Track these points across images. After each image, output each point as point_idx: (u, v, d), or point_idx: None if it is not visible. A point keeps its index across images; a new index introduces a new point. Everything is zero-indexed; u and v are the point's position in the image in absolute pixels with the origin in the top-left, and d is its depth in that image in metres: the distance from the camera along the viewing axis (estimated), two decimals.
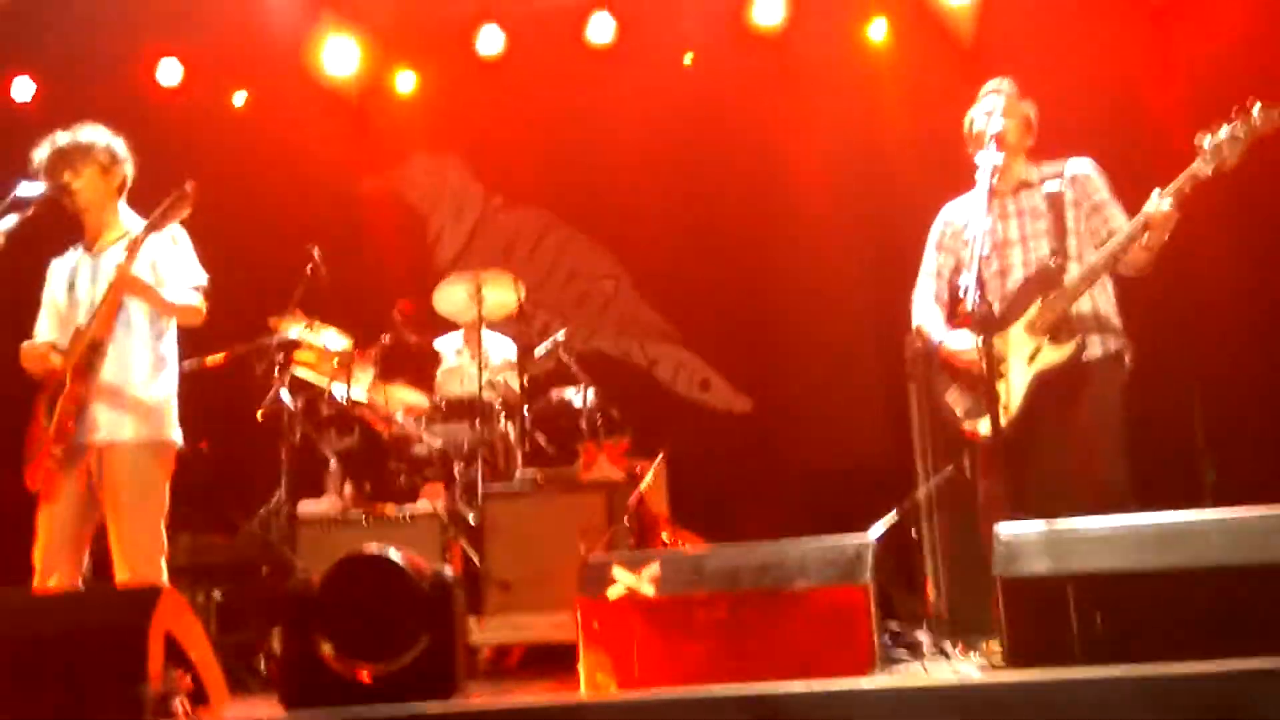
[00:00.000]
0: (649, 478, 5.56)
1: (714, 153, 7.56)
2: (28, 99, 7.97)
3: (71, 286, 4.37)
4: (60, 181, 4.32)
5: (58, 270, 4.45)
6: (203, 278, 4.37)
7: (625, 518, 5.29)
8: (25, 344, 4.33)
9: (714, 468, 6.97)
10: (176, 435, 4.33)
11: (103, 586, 4.09)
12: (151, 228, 4.19)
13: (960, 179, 4.54)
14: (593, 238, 8.07)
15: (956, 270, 4.47)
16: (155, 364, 4.31)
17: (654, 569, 3.64)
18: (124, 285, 4.16)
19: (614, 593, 3.66)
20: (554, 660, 5.01)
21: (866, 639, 3.38)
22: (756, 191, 7.47)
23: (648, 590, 3.62)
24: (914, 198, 5.07)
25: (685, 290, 7.69)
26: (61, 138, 4.39)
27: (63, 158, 4.35)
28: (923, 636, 4.03)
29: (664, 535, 5.53)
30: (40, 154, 4.37)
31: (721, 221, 7.52)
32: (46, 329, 4.40)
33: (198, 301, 4.34)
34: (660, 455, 5.85)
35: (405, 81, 8.08)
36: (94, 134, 4.42)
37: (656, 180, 7.56)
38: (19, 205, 4.20)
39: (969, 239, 4.14)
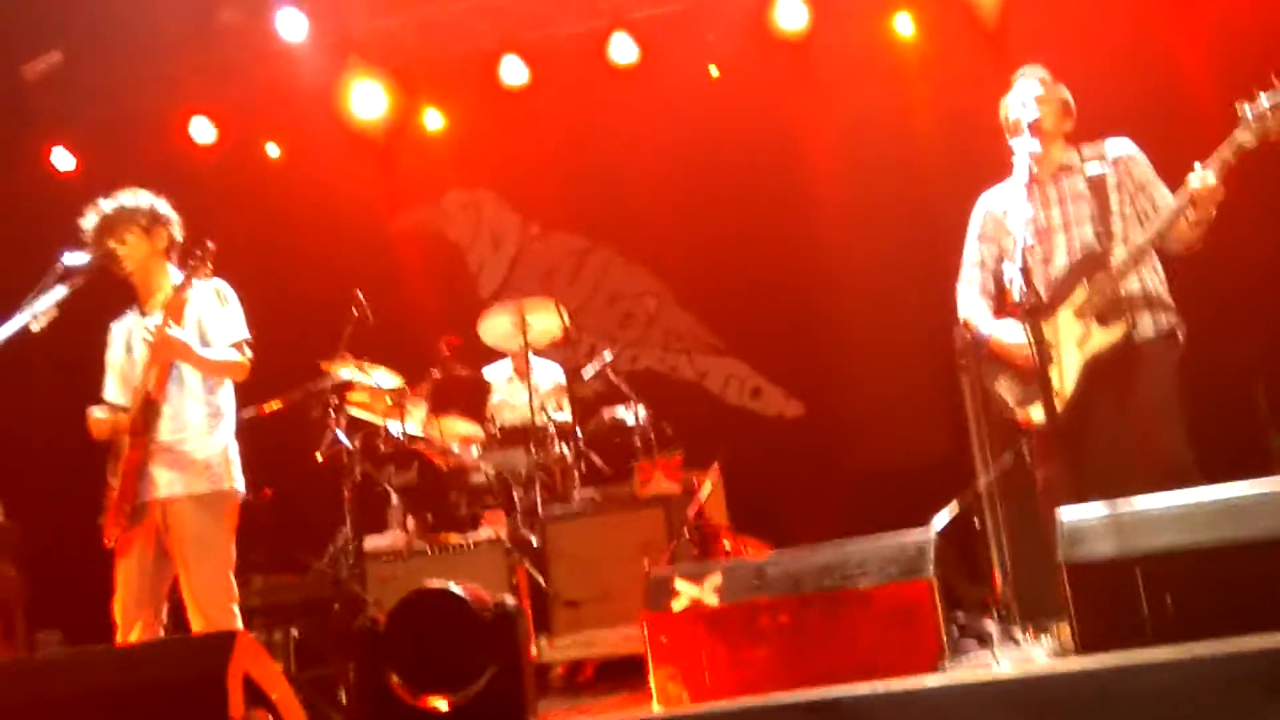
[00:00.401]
0: (706, 489, 5.58)
1: (745, 161, 7.56)
2: (69, 169, 8.14)
3: (129, 349, 4.47)
4: (105, 249, 4.39)
5: (117, 333, 4.54)
6: (244, 333, 4.45)
7: (685, 530, 5.31)
8: (89, 411, 4.42)
9: (770, 474, 6.97)
10: (237, 485, 4.40)
11: (180, 637, 4.16)
12: (180, 290, 4.28)
13: (997, 168, 4.52)
14: (631, 257, 8.12)
15: (1000, 260, 4.44)
16: (210, 417, 4.40)
17: (717, 579, 3.66)
18: (163, 348, 4.25)
19: (679, 605, 3.67)
20: (627, 672, 5.05)
21: (933, 633, 3.36)
22: (791, 196, 7.47)
23: (711, 600, 3.63)
24: (951, 190, 5.04)
25: (728, 301, 7.71)
26: (104, 205, 4.46)
27: (105, 224, 4.42)
28: (991, 626, 4.00)
29: (725, 544, 5.54)
30: (87, 223, 4.45)
31: (758, 229, 7.52)
32: (114, 391, 4.49)
33: (238, 357, 4.42)
34: (716, 466, 5.87)
35: (433, 119, 8.18)
36: (134, 198, 4.49)
37: (690, 194, 7.59)
38: (67, 276, 4.28)
39: (1011, 227, 4.12)
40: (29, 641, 6.39)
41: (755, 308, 7.57)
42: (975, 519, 4.63)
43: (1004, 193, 4.50)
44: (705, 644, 3.60)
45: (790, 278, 7.47)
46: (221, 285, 4.49)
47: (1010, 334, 4.30)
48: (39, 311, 4.19)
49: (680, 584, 3.70)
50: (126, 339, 4.50)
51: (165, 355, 4.28)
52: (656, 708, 3.59)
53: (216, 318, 4.43)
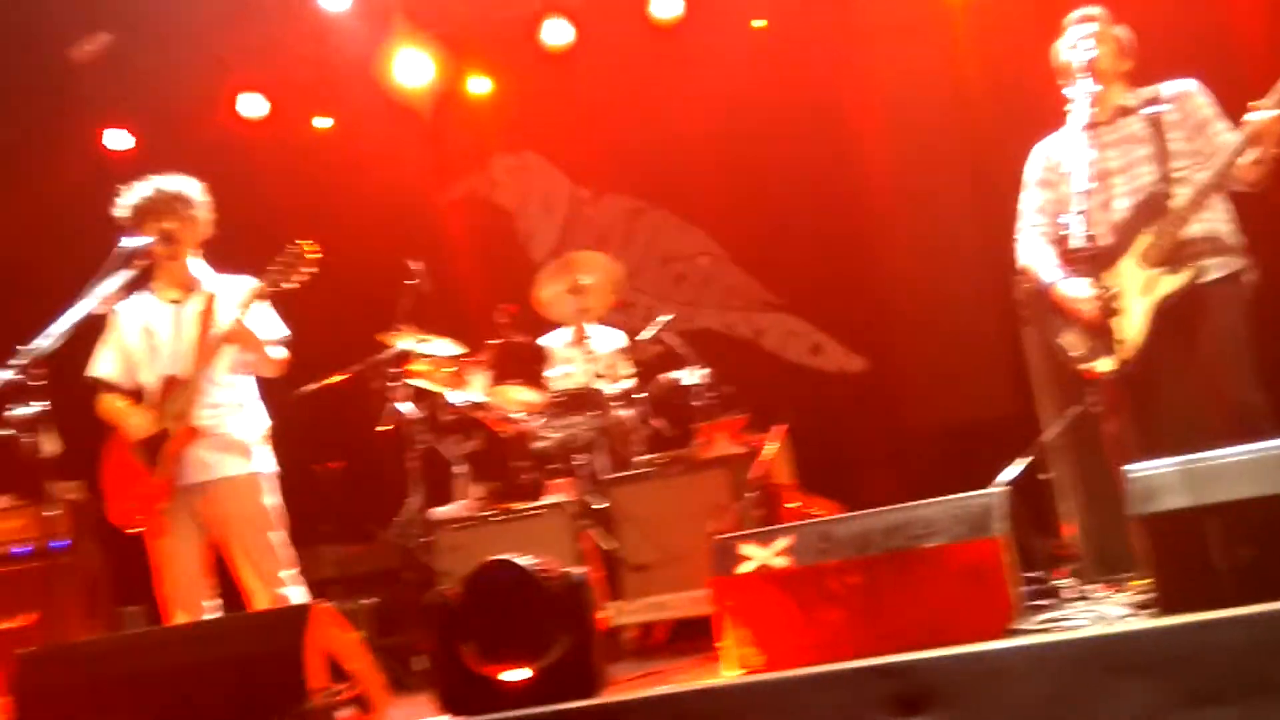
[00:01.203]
0: (770, 449, 5.56)
1: (795, 114, 7.45)
2: (123, 149, 8.21)
3: (148, 333, 4.49)
4: (161, 230, 4.41)
5: (128, 314, 4.54)
6: (284, 331, 4.50)
7: (750, 491, 5.31)
8: (120, 406, 4.44)
9: (834, 432, 6.94)
10: (273, 464, 4.49)
11: (258, 612, 4.23)
12: (273, 285, 4.31)
13: (1052, 115, 4.43)
14: (684, 216, 8.05)
15: (1059, 207, 4.37)
16: (243, 405, 4.50)
17: (783, 541, 3.64)
18: (235, 337, 4.30)
19: (745, 568, 3.66)
20: (700, 634, 5.06)
21: (1005, 592, 3.33)
22: (844, 148, 7.37)
23: (779, 563, 3.62)
24: (1006, 138, 4.97)
25: (783, 256, 7.63)
26: (161, 184, 4.49)
27: (157, 206, 4.44)
28: (1064, 582, 3.96)
29: (791, 505, 5.53)
30: (135, 202, 4.46)
31: (811, 182, 7.43)
32: (111, 369, 4.52)
33: (284, 354, 4.53)
34: (779, 426, 5.84)
35: (479, 85, 8.15)
36: (191, 184, 4.53)
37: (740, 149, 7.51)
38: (130, 258, 4.32)
39: (1068, 174, 4.04)
40: (114, 617, 6.51)
41: (811, 262, 7.49)
42: (1043, 474, 4.58)
43: (1061, 139, 4.42)
44: (773, 607, 3.59)
45: (845, 230, 7.38)
46: (255, 284, 4.45)
47: (1072, 284, 4.23)
48: (103, 295, 4.24)
49: (746, 547, 3.69)
50: (144, 323, 4.51)
51: (236, 343, 4.32)
52: (726, 671, 3.60)
53: (258, 313, 4.47)
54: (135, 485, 4.32)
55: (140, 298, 4.54)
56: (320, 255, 4.39)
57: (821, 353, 7.70)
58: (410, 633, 5.91)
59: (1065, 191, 4.21)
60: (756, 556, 3.66)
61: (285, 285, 4.35)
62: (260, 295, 4.35)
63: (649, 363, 6.43)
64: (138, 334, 4.50)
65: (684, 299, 7.83)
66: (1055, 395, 4.58)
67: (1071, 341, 4.28)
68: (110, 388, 4.49)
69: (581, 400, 6.05)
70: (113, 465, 4.41)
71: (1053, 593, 3.81)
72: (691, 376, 6.11)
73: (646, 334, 6.42)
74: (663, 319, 6.47)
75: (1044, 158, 4.54)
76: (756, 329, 7.89)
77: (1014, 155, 4.66)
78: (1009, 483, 4.18)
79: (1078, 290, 4.20)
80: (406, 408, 6.23)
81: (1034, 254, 4.49)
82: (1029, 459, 4.52)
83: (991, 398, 6.40)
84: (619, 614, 5.36)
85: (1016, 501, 3.50)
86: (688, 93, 7.60)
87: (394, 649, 5.66)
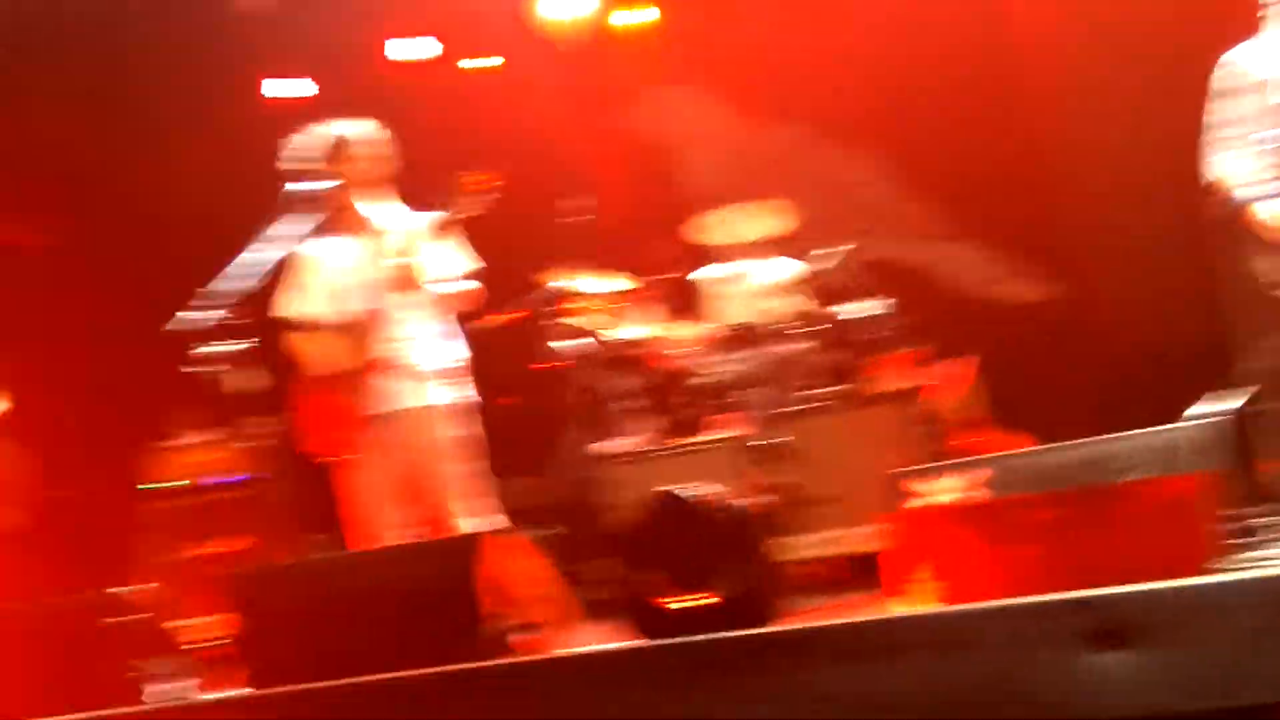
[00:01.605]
0: (951, 382, 5.40)
1: (970, 32, 7.16)
2: (291, 96, 8.41)
3: (339, 271, 4.60)
4: (336, 173, 4.51)
5: (320, 253, 4.66)
6: (473, 263, 4.52)
7: (930, 424, 5.17)
8: (309, 342, 4.58)
9: (1018, 364, 6.68)
10: (468, 392, 4.57)
11: (430, 540, 4.34)
12: (450, 218, 4.35)
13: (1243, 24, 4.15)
14: (857, 145, 7.86)
15: (1254, 121, 4.08)
16: (437, 334, 4.57)
17: (965, 476, 3.52)
18: (410, 276, 4.35)
19: (923, 503, 3.56)
20: (874, 569, 4.99)
21: (1204, 530, 3.15)
22: (1022, 67, 7.10)
23: (959, 498, 3.50)
24: (1194, 46, 4.66)
25: (963, 183, 7.34)
26: (335, 128, 4.58)
27: (337, 148, 4.54)
28: (1267, 520, 3.74)
29: (974, 439, 5.37)
30: (312, 146, 4.57)
31: (990, 104, 7.16)
32: (301, 307, 4.65)
33: (471, 286, 4.55)
34: (967, 358, 5.66)
35: (642, 15, 8.06)
36: (362, 127, 4.60)
37: (913, 73, 7.26)
38: (312, 202, 4.42)
39: (1262, 85, 3.77)
40: (304, 545, 6.80)
41: (992, 189, 7.19)
42: (1243, 405, 4.32)
43: (1253, 48, 4.13)
44: (957, 542, 3.47)
45: (1027, 154, 7.09)
46: (437, 219, 4.54)
47: (1269, 203, 3.96)
48: (279, 236, 4.36)
49: (928, 481, 3.58)
50: (335, 260, 4.62)
51: (409, 281, 4.38)
52: (898, 608, 3.52)
53: (445, 248, 4.50)
54: (327, 417, 4.45)
55: (332, 235, 4.65)
56: (487, 186, 4.39)
57: (1003, 282, 7.43)
58: (579, 565, 5.96)
59: (1258, 103, 3.93)
60: (939, 490, 3.56)
61: (457, 217, 4.39)
62: (432, 231, 4.40)
63: (822, 294, 6.29)
64: (323, 272, 4.63)
65: (858, 229, 7.64)
66: (1252, 324, 4.31)
67: (1269, 267, 4.01)
68: (299, 325, 4.61)
69: (750, 334, 5.98)
70: (306, 398, 4.56)
71: (1254, 530, 3.60)
72: (868, 308, 5.96)
73: (820, 265, 6.28)
74: (838, 249, 6.31)
75: (1231, 70, 4.24)
76: (936, 259, 7.66)
77: (1201, 67, 4.37)
78: (1208, 416, 3.96)
79: (1275, 211, 3.92)
80: (571, 344, 6.26)
81: (1225, 169, 4.20)
82: (1227, 392, 4.26)
83: (1186, 327, 6.08)
84: (790, 549, 5.29)
85: (1215, 437, 3.31)
86: (857, 17, 7.38)
87: (565, 578, 5.72)
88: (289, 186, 4.44)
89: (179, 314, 4.05)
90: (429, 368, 4.51)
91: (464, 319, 4.77)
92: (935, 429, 5.24)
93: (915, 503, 3.56)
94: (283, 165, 4.57)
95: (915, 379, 5.58)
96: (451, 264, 4.54)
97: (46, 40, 7.56)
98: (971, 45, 7.17)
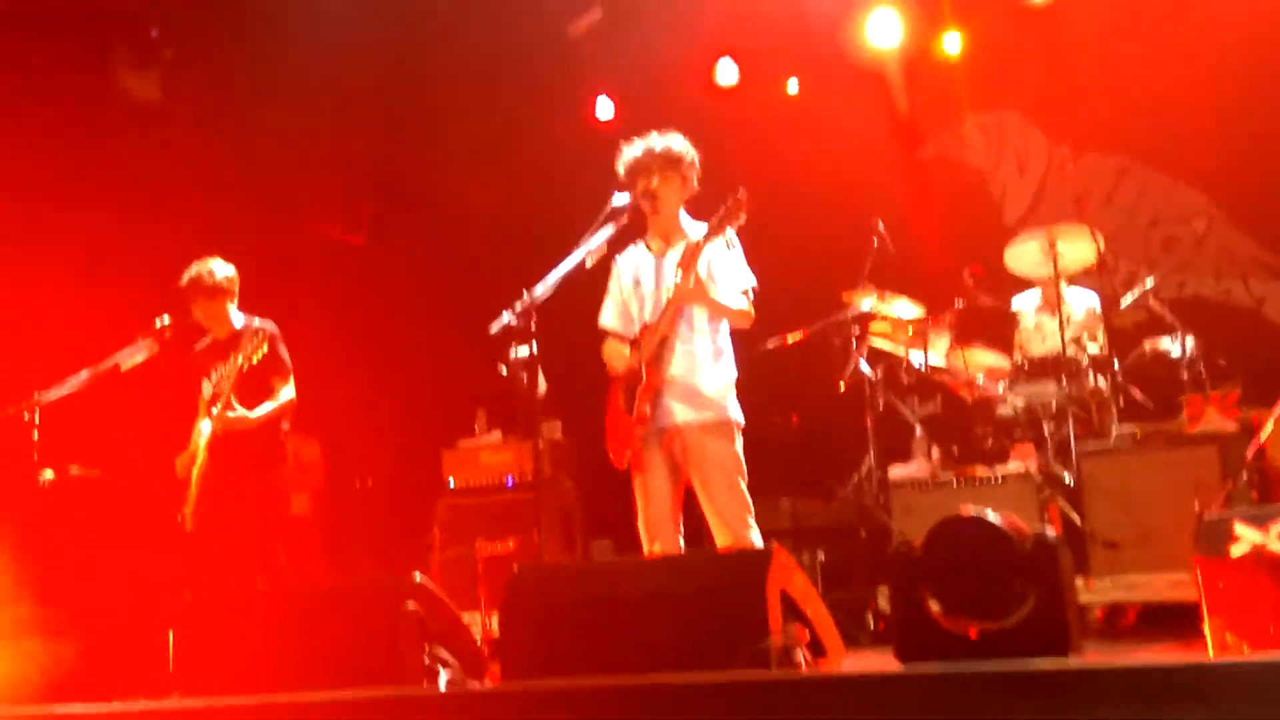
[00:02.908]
0: (1269, 427, 5.03)
1: None
2: (609, 117, 8.75)
3: (637, 284, 4.70)
4: (647, 188, 4.59)
5: (625, 266, 4.77)
6: (751, 281, 4.57)
7: (1244, 471, 4.84)
8: (609, 343, 4.70)
9: None
10: (738, 415, 4.57)
11: (722, 550, 4.38)
12: (710, 235, 4.43)
13: None
14: (1175, 176, 7.48)
15: None
16: (715, 355, 4.59)
17: None
18: (685, 293, 4.44)
19: (1239, 550, 3.35)
20: (1172, 620, 4.74)
21: None
22: None
23: (1278, 548, 3.27)
24: None
25: None
26: (649, 144, 4.67)
27: (647, 164, 4.62)
28: None
29: None
30: (628, 159, 4.67)
31: None
32: (611, 319, 4.76)
33: (746, 305, 4.57)
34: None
35: (952, 42, 7.94)
36: (676, 142, 4.68)
37: (1241, 102, 6.88)
38: (614, 215, 4.56)
39: None
40: (585, 548, 7.01)
41: None
42: None
43: None
44: (1269, 594, 3.26)
45: None
46: (730, 234, 4.57)
47: None
48: (591, 248, 4.48)
49: (1242, 528, 3.36)
50: (635, 274, 4.71)
51: (689, 300, 4.47)
52: (1211, 654, 3.31)
53: (726, 265, 4.57)
54: (622, 425, 4.58)
55: (635, 249, 4.77)
56: (749, 203, 4.40)
57: None
58: (861, 588, 5.91)
59: None
60: (1252, 539, 3.34)
61: (723, 232, 4.43)
62: (698, 249, 4.44)
63: (1129, 330, 6.02)
64: (630, 284, 4.75)
65: (1173, 264, 7.26)
66: None
67: None
68: (612, 334, 4.76)
69: (1052, 366, 5.79)
70: (611, 407, 4.67)
71: None
72: (1177, 345, 5.66)
73: (1128, 299, 6.01)
74: (1147, 283, 6.04)
75: None
76: (1257, 296, 7.20)
77: None
78: None
79: None
80: (866, 367, 6.24)
81: None
82: None
83: None
84: (1084, 592, 5.08)
85: None
86: (1177, 45, 7.06)
87: (843, 604, 5.68)
88: (615, 199, 4.58)
89: (503, 314, 4.15)
90: (712, 385, 4.56)
91: (745, 339, 4.79)
92: (1252, 475, 4.88)
93: (1232, 549, 3.35)
94: (609, 178, 4.70)
95: (1231, 421, 5.24)
96: (733, 280, 4.59)
97: (398, 60, 8.14)
98: None
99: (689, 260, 4.45)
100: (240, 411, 5.27)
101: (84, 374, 5.44)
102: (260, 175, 8.02)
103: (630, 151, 4.68)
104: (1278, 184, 6.84)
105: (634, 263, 4.75)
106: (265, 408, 5.35)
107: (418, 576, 3.84)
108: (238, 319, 5.56)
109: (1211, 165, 7.18)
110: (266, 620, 4.05)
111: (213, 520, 5.27)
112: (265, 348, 5.26)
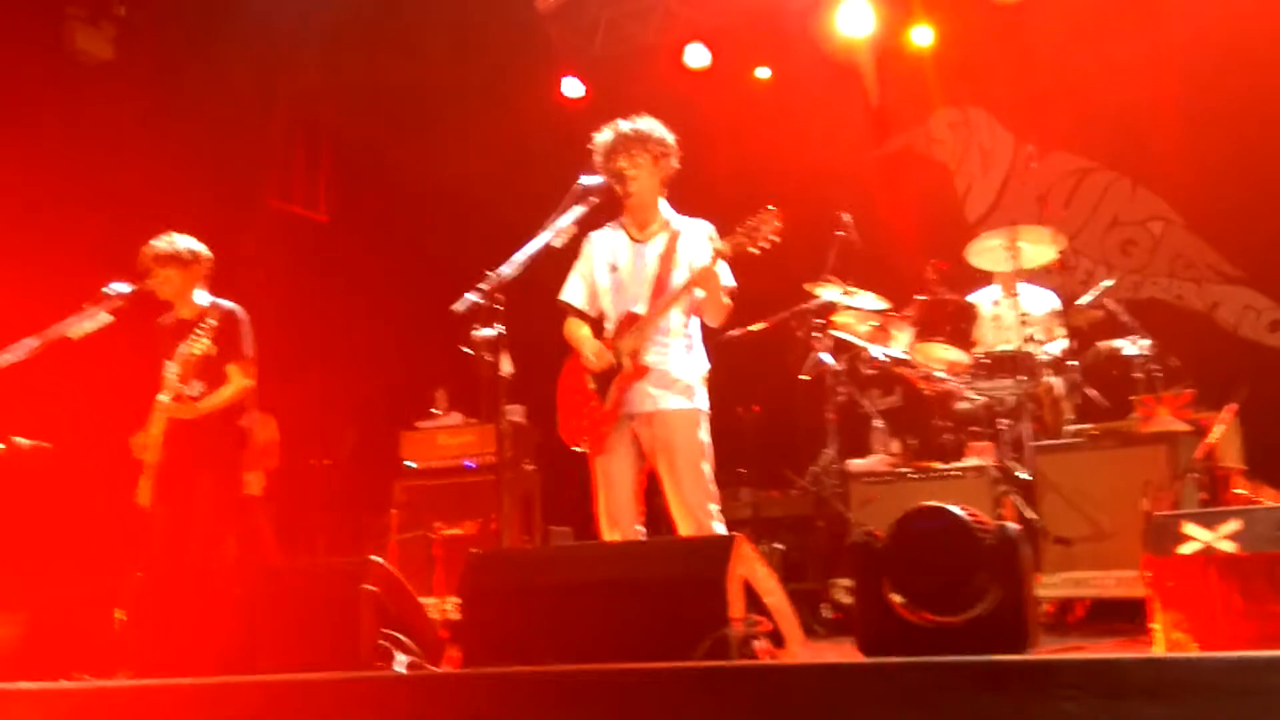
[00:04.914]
0: (1218, 429, 5.13)
1: (1264, 76, 6.81)
2: (577, 96, 8.71)
3: (613, 267, 4.66)
4: (616, 169, 4.56)
5: (599, 245, 4.72)
6: (732, 282, 4.57)
7: (1193, 472, 4.93)
8: (582, 334, 4.64)
9: None
10: (706, 405, 4.57)
11: (683, 537, 4.39)
12: (738, 245, 4.40)
13: None
14: (1136, 178, 7.60)
15: None
16: (688, 346, 4.61)
17: (1233, 525, 3.36)
18: (700, 280, 4.43)
19: (1187, 549, 3.42)
20: (1119, 616, 4.83)
21: None
22: None
23: (1227, 547, 3.34)
24: None
25: (1245, 224, 7.02)
26: (620, 127, 4.63)
27: (620, 145, 4.58)
28: None
29: (1238, 490, 5.09)
30: (601, 141, 4.63)
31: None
32: (576, 295, 4.71)
33: (729, 304, 4.59)
34: (1230, 405, 5.38)
35: (922, 36, 7.98)
36: (651, 125, 4.64)
37: (1204, 111, 6.99)
38: (584, 196, 4.52)
39: None
40: (544, 534, 6.99)
41: (1276, 231, 6.82)
42: None
43: None
44: (1217, 593, 3.32)
45: None
46: (712, 230, 4.58)
47: None
48: (560, 229, 4.44)
49: (1190, 528, 3.43)
50: (611, 256, 4.66)
51: (700, 286, 4.45)
52: (1160, 651, 3.38)
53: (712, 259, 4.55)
54: (584, 408, 4.56)
55: (612, 231, 4.73)
56: (781, 227, 4.41)
57: None
58: (817, 579, 5.96)
59: None
60: (1200, 538, 3.40)
61: (750, 249, 4.42)
62: (725, 254, 4.44)
63: (1085, 329, 6.10)
64: (604, 266, 4.70)
65: (1130, 265, 7.39)
66: None
67: None
68: (576, 312, 4.73)
69: (1010, 362, 5.85)
70: (567, 386, 4.65)
71: None
72: (1133, 346, 5.75)
73: (1086, 299, 6.09)
74: (1104, 284, 6.13)
75: None
76: (1210, 301, 7.34)
77: None
78: None
79: None
80: (828, 358, 6.28)
81: None
82: None
83: None
84: (1037, 587, 5.15)
85: None
86: (1145, 51, 7.16)
87: (801, 595, 5.71)
88: (582, 180, 4.54)
89: (465, 295, 4.09)
90: (686, 375, 4.55)
91: (719, 329, 4.80)
92: (1200, 476, 4.98)
93: (1180, 548, 3.42)
94: (593, 152, 4.66)
95: (1182, 422, 5.33)
96: (720, 277, 4.57)
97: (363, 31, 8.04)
98: (1270, 92, 6.81)
99: (711, 260, 4.42)
100: (187, 401, 5.10)
101: (31, 341, 5.18)
102: (217, 142, 7.90)
103: (609, 131, 4.64)
104: (1234, 191, 6.96)
105: (610, 244, 4.70)
106: (215, 398, 5.20)
107: (375, 558, 3.82)
108: (203, 298, 5.36)
109: (1171, 171, 7.29)
110: (220, 602, 4.01)
111: (168, 501, 5.12)
112: (213, 336, 5.06)
